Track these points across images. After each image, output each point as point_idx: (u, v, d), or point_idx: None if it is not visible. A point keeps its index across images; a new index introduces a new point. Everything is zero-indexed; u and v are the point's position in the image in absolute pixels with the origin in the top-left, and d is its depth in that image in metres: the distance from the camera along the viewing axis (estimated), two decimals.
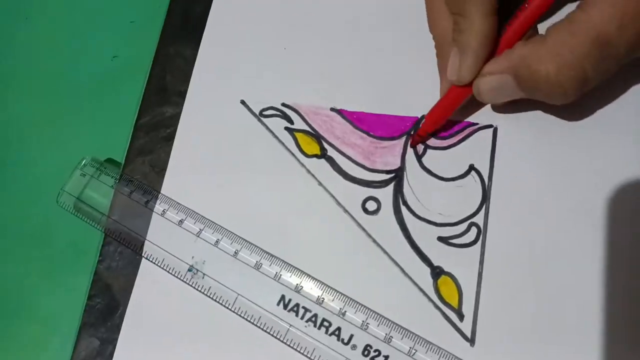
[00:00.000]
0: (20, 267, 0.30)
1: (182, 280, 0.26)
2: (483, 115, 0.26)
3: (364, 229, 0.26)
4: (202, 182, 0.28)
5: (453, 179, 0.26)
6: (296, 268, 0.26)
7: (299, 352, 0.24)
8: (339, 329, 0.24)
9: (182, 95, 0.30)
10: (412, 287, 0.25)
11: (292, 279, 0.25)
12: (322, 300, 0.25)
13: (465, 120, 0.27)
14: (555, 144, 0.25)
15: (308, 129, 0.28)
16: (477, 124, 0.26)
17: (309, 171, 0.27)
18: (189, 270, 0.27)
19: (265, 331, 0.25)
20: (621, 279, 0.23)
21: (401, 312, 0.24)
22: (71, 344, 0.26)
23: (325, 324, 0.24)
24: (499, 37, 0.23)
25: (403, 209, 0.26)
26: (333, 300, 0.25)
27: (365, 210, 0.26)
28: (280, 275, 0.26)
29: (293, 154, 0.28)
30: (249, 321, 0.25)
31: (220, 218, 0.27)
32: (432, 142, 0.27)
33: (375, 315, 0.24)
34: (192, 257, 0.27)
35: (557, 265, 0.24)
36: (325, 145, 0.28)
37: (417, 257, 0.25)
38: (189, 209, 0.28)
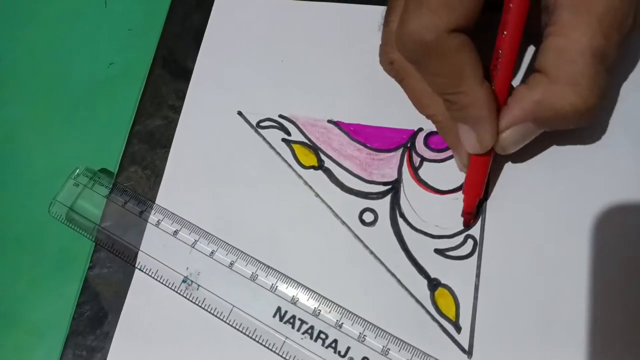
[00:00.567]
0: (8, 274, 0.29)
1: (176, 292, 0.26)
2: None
3: (361, 241, 0.26)
4: (197, 192, 0.28)
5: (449, 192, 0.26)
6: (292, 279, 0.25)
7: None
8: (335, 341, 0.24)
9: (179, 104, 0.30)
10: (409, 299, 0.24)
11: (289, 290, 0.25)
12: (319, 312, 0.25)
13: None
14: (552, 156, 0.26)
15: (305, 140, 0.28)
16: None
17: (306, 182, 0.27)
18: (184, 281, 0.26)
19: (261, 344, 0.24)
20: (617, 290, 0.23)
21: (398, 324, 0.24)
22: (58, 352, 0.26)
23: (322, 336, 0.24)
24: (494, 88, 0.22)
25: (400, 220, 0.26)
26: (330, 312, 0.25)
27: (363, 222, 0.26)
28: (277, 286, 0.25)
29: (290, 166, 0.28)
30: (244, 333, 0.25)
31: (216, 229, 0.27)
32: (428, 154, 0.27)
33: (373, 327, 0.24)
34: (187, 268, 0.26)
35: (554, 277, 0.24)
36: (323, 157, 0.28)
37: (414, 269, 0.25)
38: (184, 220, 0.27)
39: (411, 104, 0.28)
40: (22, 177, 0.32)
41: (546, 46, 0.22)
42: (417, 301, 0.24)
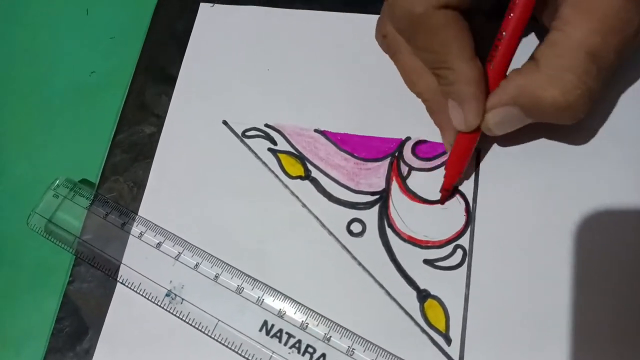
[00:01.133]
0: None
1: (160, 306, 0.25)
2: None
3: (348, 252, 0.25)
4: (181, 203, 0.28)
5: (438, 201, 0.26)
6: (279, 292, 0.25)
7: None
8: (323, 355, 0.23)
9: (163, 113, 0.30)
10: (398, 311, 0.24)
11: (275, 303, 0.25)
12: (306, 326, 0.24)
13: None
14: (539, 165, 0.25)
15: (292, 150, 0.28)
16: None
17: (292, 193, 0.27)
18: (167, 295, 0.25)
19: (247, 359, 0.24)
20: (609, 300, 0.23)
21: (387, 336, 0.24)
22: None
23: (310, 350, 0.23)
24: (489, 72, 0.23)
25: (388, 231, 0.26)
26: (317, 325, 0.24)
27: (350, 232, 0.26)
28: (263, 299, 0.25)
29: (276, 176, 0.27)
30: (230, 348, 0.24)
31: (200, 241, 0.26)
32: (416, 163, 0.27)
33: (362, 341, 0.23)
34: (170, 282, 0.26)
35: (545, 287, 0.23)
36: (309, 167, 0.27)
37: (403, 280, 0.25)
38: (167, 232, 0.27)
39: (398, 114, 0.28)
40: (0, 188, 0.31)
41: (546, 37, 0.22)
42: (407, 313, 0.24)
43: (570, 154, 0.25)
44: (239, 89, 0.30)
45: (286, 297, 0.25)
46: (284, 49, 0.30)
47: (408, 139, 0.27)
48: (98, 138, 0.30)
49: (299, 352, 0.24)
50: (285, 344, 0.24)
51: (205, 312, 0.25)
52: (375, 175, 0.27)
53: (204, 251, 0.26)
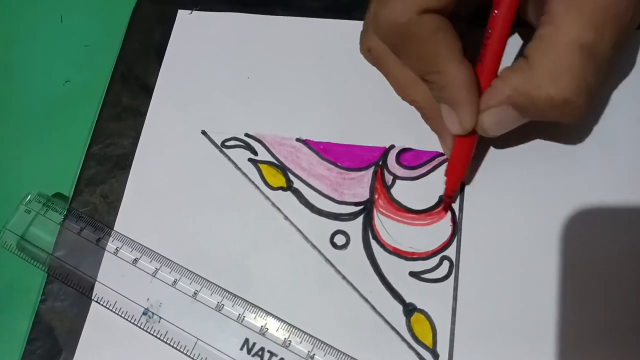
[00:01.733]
0: None
1: (137, 325, 0.25)
2: None
3: (332, 265, 0.25)
4: (159, 217, 0.27)
5: (423, 211, 0.25)
6: (261, 309, 0.24)
7: None
8: None
9: (139, 123, 0.29)
10: (384, 325, 0.23)
11: (257, 320, 0.24)
12: (289, 343, 0.23)
13: (434, 150, 0.26)
14: (526, 173, 0.25)
15: (273, 160, 0.27)
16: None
17: (274, 204, 0.26)
18: (144, 313, 0.25)
19: None
20: (597, 309, 0.23)
21: (373, 353, 0.23)
22: None
23: None
24: (479, 72, 0.22)
25: (373, 242, 0.25)
26: (301, 342, 0.23)
27: (334, 245, 0.25)
28: (244, 317, 0.24)
29: (257, 187, 0.27)
30: None
31: (179, 256, 0.26)
32: (401, 172, 0.26)
33: (346, 358, 0.23)
34: (148, 299, 0.25)
35: (534, 298, 0.23)
36: (291, 177, 0.27)
37: (388, 293, 0.24)
38: (144, 247, 0.26)
39: (381, 122, 0.27)
40: None
41: (536, 34, 0.21)
42: (393, 328, 0.23)
43: (557, 161, 0.25)
44: (218, 98, 0.29)
45: (268, 313, 0.24)
46: (264, 56, 0.30)
47: (392, 147, 0.27)
48: (72, 150, 0.29)
49: None
50: None
51: (183, 330, 0.24)
52: (359, 185, 0.26)
53: (182, 267, 0.25)
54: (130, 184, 0.28)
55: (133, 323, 0.25)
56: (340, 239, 0.25)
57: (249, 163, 0.27)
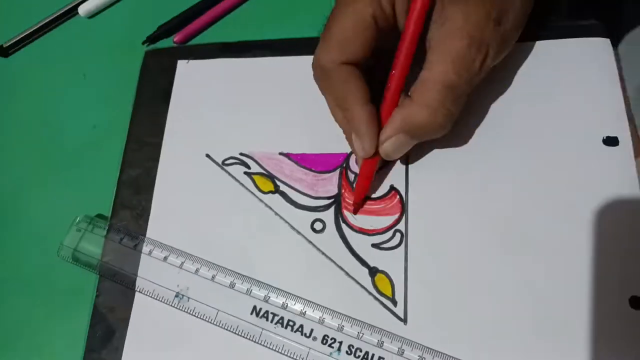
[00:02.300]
0: (24, 312, 0.34)
1: (171, 306, 0.32)
2: None
3: (314, 245, 0.32)
4: (180, 223, 0.34)
5: (379, 198, 0.33)
6: (263, 283, 0.31)
7: (272, 349, 0.30)
8: (301, 325, 0.30)
9: (157, 153, 0.36)
10: (355, 285, 0.31)
11: (261, 292, 0.31)
12: (286, 306, 0.31)
13: None
14: (456, 161, 0.32)
15: (263, 171, 0.35)
16: None
17: (266, 205, 0.34)
18: (176, 296, 0.32)
19: (243, 337, 0.30)
20: (522, 268, 0.29)
21: (349, 306, 0.30)
22: None
23: (291, 323, 0.30)
24: (382, 110, 0.29)
25: (343, 225, 0.32)
26: (295, 304, 0.31)
27: (314, 230, 0.33)
28: (251, 290, 0.31)
29: (252, 193, 0.34)
30: (229, 331, 0.30)
31: (198, 251, 0.32)
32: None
33: (329, 311, 0.30)
34: (178, 286, 0.32)
35: (468, 256, 0.30)
36: (278, 183, 0.34)
37: (357, 262, 0.31)
38: (171, 247, 0.33)
39: (343, 135, 0.35)
40: (30, 229, 0.37)
41: (418, 76, 0.29)
42: (362, 286, 0.31)
43: (479, 150, 0.32)
44: (216, 127, 0.36)
45: (269, 285, 0.31)
46: (249, 91, 0.37)
47: (351, 153, 0.34)
48: (107, 179, 0.36)
49: (282, 326, 0.30)
50: (272, 322, 0.30)
51: (207, 305, 0.31)
52: (329, 184, 0.34)
53: (201, 259, 0.32)
54: (155, 201, 0.35)
55: (168, 304, 0.32)
56: (318, 225, 0.33)
57: (245, 175, 0.35)
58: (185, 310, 0.31)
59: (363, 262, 0.31)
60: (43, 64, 0.44)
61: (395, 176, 0.33)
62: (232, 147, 0.36)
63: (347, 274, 0.31)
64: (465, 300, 0.29)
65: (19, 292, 0.36)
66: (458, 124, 0.30)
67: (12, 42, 0.44)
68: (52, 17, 0.45)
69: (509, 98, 0.33)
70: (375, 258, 0.31)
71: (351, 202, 0.33)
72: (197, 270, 0.32)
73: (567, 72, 0.33)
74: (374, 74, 0.30)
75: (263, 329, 0.30)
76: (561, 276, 0.29)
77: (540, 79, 0.33)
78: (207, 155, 0.36)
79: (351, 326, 0.29)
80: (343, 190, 0.33)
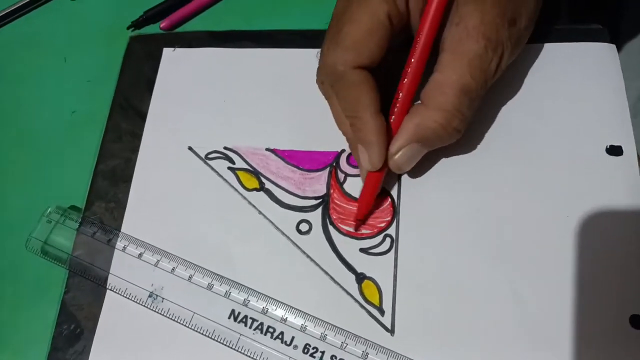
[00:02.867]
0: None
1: (144, 306, 0.30)
2: None
3: (299, 247, 0.31)
4: (157, 218, 0.32)
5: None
6: (243, 285, 0.30)
7: (250, 357, 0.28)
8: (282, 333, 0.28)
9: (137, 144, 0.35)
10: (341, 292, 0.29)
11: (240, 295, 0.30)
12: (267, 310, 0.29)
13: None
14: (450, 166, 0.31)
15: (247, 167, 0.33)
16: None
17: (250, 203, 0.32)
18: (150, 296, 0.30)
19: (219, 342, 0.29)
20: (518, 279, 0.28)
21: (333, 313, 0.29)
22: None
23: (270, 329, 0.28)
24: (392, 119, 0.28)
25: (330, 227, 0.31)
26: (276, 309, 0.29)
27: (299, 232, 0.31)
28: (230, 292, 0.30)
29: (236, 189, 0.33)
30: (205, 335, 0.29)
31: (175, 249, 0.31)
32: (350, 171, 0.32)
33: (312, 318, 0.28)
34: (152, 285, 0.30)
35: (459, 264, 0.29)
36: (263, 180, 0.33)
37: (343, 267, 0.30)
38: (146, 243, 0.31)
39: (334, 131, 0.33)
40: None
41: (430, 79, 0.27)
42: (348, 293, 0.29)
43: (473, 156, 0.31)
44: (200, 119, 0.35)
45: (249, 289, 0.30)
46: (236, 82, 0.35)
47: (343, 151, 0.33)
48: (82, 168, 0.34)
49: (261, 332, 0.29)
50: (250, 327, 0.29)
51: (182, 307, 0.30)
52: (318, 183, 0.32)
53: (178, 257, 0.31)
54: (132, 194, 0.33)
55: (141, 304, 0.30)
56: (304, 227, 0.31)
57: (229, 171, 0.33)
58: (159, 311, 0.30)
59: (350, 268, 0.30)
60: (22, 44, 0.42)
61: (387, 178, 0.31)
62: (216, 140, 0.34)
63: (332, 279, 0.30)
64: (456, 313, 0.28)
65: None
66: None
67: None
68: None
69: (510, 103, 0.32)
70: (363, 263, 0.30)
71: (339, 203, 0.31)
72: (173, 270, 0.31)
73: (571, 78, 0.32)
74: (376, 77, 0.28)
75: (241, 334, 0.29)
76: (559, 291, 0.27)
77: (544, 84, 0.32)
78: (190, 148, 0.34)
79: (335, 335, 0.28)
80: (332, 191, 0.32)
